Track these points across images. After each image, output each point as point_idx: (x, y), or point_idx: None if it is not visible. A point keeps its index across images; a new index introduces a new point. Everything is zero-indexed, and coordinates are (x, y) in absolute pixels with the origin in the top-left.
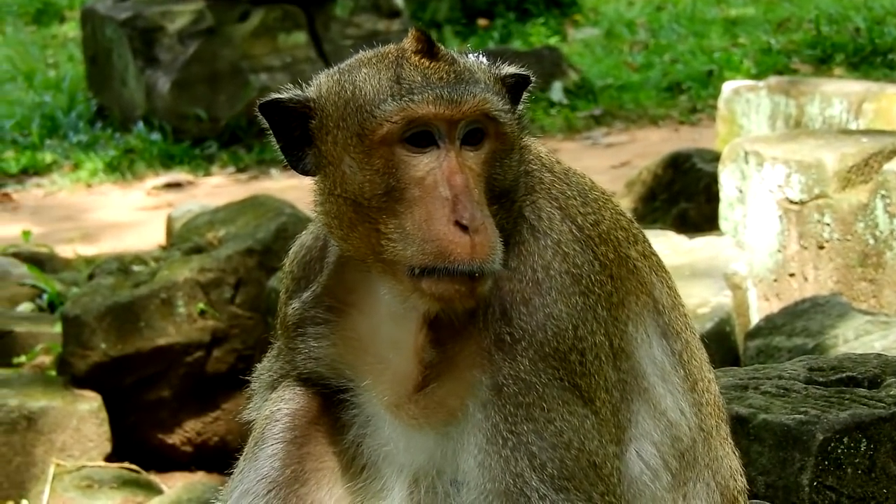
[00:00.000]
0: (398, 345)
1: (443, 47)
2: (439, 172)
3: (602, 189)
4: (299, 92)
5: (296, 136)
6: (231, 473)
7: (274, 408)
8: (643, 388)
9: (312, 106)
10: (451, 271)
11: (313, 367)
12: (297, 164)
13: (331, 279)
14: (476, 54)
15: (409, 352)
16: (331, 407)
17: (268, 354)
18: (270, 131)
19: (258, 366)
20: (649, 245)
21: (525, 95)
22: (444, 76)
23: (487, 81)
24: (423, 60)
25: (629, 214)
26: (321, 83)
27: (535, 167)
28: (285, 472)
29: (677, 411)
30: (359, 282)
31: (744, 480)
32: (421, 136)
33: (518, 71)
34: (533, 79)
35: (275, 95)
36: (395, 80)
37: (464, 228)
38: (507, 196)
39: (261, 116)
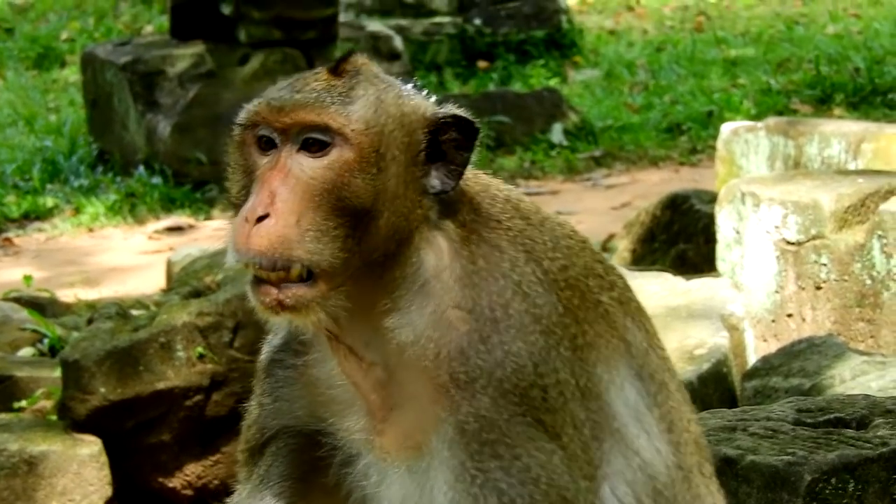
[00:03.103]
0: (348, 379)
1: (360, 68)
2: (265, 171)
3: (582, 238)
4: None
5: None
6: None
7: None
8: (615, 428)
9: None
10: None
11: (288, 409)
12: None
13: None
14: (414, 84)
15: (361, 385)
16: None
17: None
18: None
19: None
20: (629, 291)
21: (476, 142)
22: (314, 87)
23: (353, 96)
24: (319, 74)
25: (609, 262)
26: None
27: (507, 215)
28: None
29: (652, 450)
30: None
31: None
32: (269, 140)
33: (457, 113)
34: (478, 125)
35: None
36: (273, 88)
37: (246, 220)
38: (369, 216)
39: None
